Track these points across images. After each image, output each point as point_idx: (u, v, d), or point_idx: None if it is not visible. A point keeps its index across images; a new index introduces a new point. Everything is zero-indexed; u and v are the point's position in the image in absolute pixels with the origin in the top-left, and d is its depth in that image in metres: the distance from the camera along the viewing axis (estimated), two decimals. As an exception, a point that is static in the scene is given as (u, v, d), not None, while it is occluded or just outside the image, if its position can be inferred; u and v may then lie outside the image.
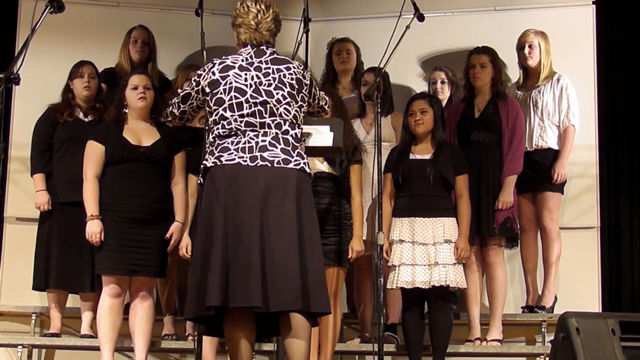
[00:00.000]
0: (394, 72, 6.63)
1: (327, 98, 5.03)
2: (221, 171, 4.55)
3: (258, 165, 4.52)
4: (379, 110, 5.65)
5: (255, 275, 4.37)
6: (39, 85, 6.80)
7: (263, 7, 4.75)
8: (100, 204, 5.81)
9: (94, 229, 5.76)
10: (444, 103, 6.90)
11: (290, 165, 4.56)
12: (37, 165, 6.49)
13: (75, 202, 6.12)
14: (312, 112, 4.94)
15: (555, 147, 6.67)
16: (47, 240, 6.40)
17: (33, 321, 6.88)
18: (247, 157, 4.53)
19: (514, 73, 6.89)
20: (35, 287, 6.47)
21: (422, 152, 6.10)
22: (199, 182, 4.75)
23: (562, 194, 6.73)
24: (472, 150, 6.37)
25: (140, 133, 5.95)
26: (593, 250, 6.99)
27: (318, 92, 4.88)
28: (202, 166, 4.69)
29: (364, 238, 6.06)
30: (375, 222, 5.92)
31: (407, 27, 5.67)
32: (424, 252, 5.92)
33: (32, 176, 6.50)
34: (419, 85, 7.48)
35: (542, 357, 6.25)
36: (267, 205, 4.47)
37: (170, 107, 4.93)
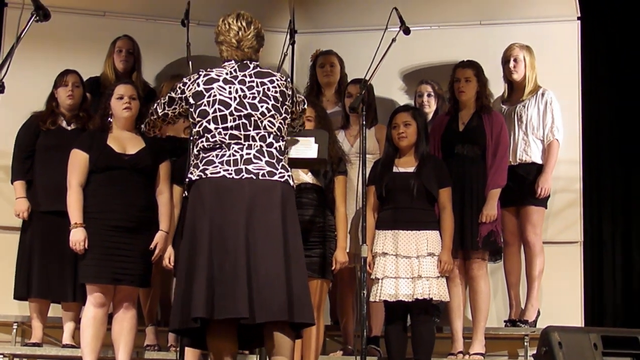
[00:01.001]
0: (378, 84, 6.63)
1: (302, 97, 5.02)
2: (206, 184, 4.54)
3: (243, 177, 4.52)
4: (363, 122, 5.66)
5: (241, 286, 4.37)
6: (23, 94, 6.75)
7: (244, 24, 4.76)
8: (84, 212, 5.79)
9: (77, 237, 5.74)
10: (430, 116, 6.92)
11: (275, 178, 4.56)
12: (18, 172, 6.48)
13: (56, 210, 6.10)
14: (295, 118, 4.95)
15: (539, 162, 6.69)
16: (29, 249, 6.37)
17: (14, 330, 6.85)
18: (232, 170, 4.53)
19: (499, 87, 6.91)
20: (17, 297, 6.44)
21: (406, 165, 6.11)
22: (184, 195, 4.74)
23: (546, 208, 6.74)
24: (456, 163, 6.38)
25: (125, 141, 5.94)
26: (576, 264, 7.01)
27: (297, 97, 4.89)
28: (187, 179, 4.68)
29: (348, 250, 6.06)
30: (358, 234, 5.92)
31: (393, 40, 5.70)
32: (407, 265, 5.92)
33: (12, 183, 6.48)
34: (403, 98, 7.50)
35: (525, 370, 6.27)
36: (253, 218, 4.47)
37: (155, 105, 4.92)
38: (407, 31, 5.84)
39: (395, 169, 6.10)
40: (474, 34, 7.49)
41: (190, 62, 5.61)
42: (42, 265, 6.30)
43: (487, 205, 6.30)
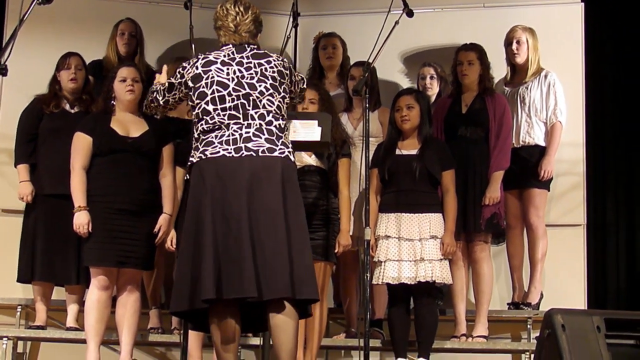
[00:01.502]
0: (381, 67, 6.63)
1: (301, 75, 5.02)
2: (207, 165, 4.56)
3: (243, 155, 4.54)
4: (366, 105, 5.66)
5: (248, 265, 4.38)
6: (26, 77, 6.77)
7: (242, 9, 4.79)
8: (87, 195, 5.79)
9: (81, 220, 5.74)
10: (432, 99, 6.92)
11: (275, 154, 4.57)
12: (21, 155, 6.48)
13: (60, 194, 6.10)
14: (294, 97, 4.97)
15: (542, 144, 6.68)
16: (33, 232, 6.37)
17: (18, 313, 6.87)
18: (231, 149, 4.55)
19: (501, 69, 6.89)
20: (20, 280, 6.45)
21: (409, 148, 6.11)
22: (185, 177, 4.75)
23: (549, 190, 6.73)
24: (459, 145, 6.38)
25: (128, 124, 5.94)
26: (579, 247, 7.00)
27: (296, 76, 4.90)
28: (188, 162, 4.70)
29: (351, 233, 6.06)
30: (362, 217, 5.92)
31: (396, 22, 5.68)
32: (410, 247, 5.93)
33: (16, 166, 6.48)
34: (406, 81, 7.49)
35: (528, 353, 6.27)
36: (254, 195, 4.49)
37: (155, 94, 4.93)
38: (410, 14, 5.83)
39: (398, 152, 6.10)
40: (477, 16, 7.47)
41: (193, 45, 5.61)
42: (45, 248, 6.30)
43: (490, 188, 6.30)
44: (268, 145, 4.57)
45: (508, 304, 6.78)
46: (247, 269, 4.38)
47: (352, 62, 6.93)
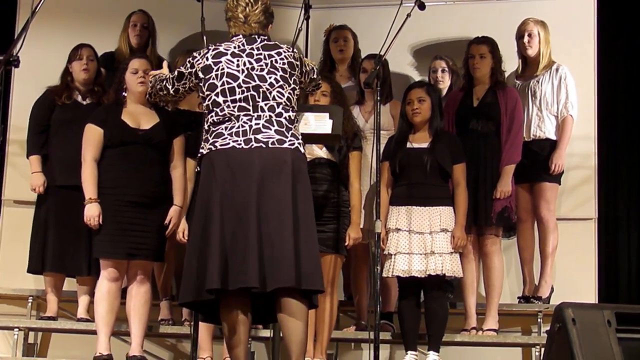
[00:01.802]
0: (392, 60, 6.62)
1: (312, 64, 5.00)
2: (216, 156, 4.57)
3: (252, 147, 4.54)
4: (378, 98, 5.65)
5: (252, 256, 4.39)
6: (38, 68, 6.78)
7: (252, 0, 4.78)
8: (98, 187, 5.80)
9: (92, 213, 5.75)
10: (444, 92, 6.91)
11: (285, 145, 4.58)
12: (33, 146, 6.49)
13: (72, 185, 6.11)
14: (306, 89, 5.00)
15: (553, 138, 6.67)
16: (44, 223, 6.39)
17: (29, 304, 6.89)
18: (241, 141, 4.56)
19: (513, 63, 6.88)
20: (31, 270, 6.47)
21: (420, 141, 6.10)
22: (196, 169, 4.76)
23: (560, 184, 6.72)
24: (471, 139, 6.37)
25: (140, 116, 5.95)
26: (590, 241, 6.98)
27: (307, 66, 4.89)
28: (198, 154, 4.71)
29: (361, 226, 6.06)
30: (372, 210, 5.92)
31: (408, 15, 5.68)
32: (421, 240, 5.93)
33: (28, 157, 6.49)
34: (418, 74, 7.48)
35: (538, 347, 6.26)
36: (263, 186, 4.50)
37: (164, 82, 4.93)
38: (422, 6, 5.82)
39: (409, 145, 6.10)
40: (489, 9, 7.46)
41: (204, 37, 5.61)
42: (57, 239, 6.32)
43: (501, 181, 6.29)
44: (278, 137, 4.58)
45: (518, 297, 6.78)
46: (251, 260, 4.39)
47: (363, 55, 6.92)
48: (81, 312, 6.42)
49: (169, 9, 7.54)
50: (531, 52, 6.77)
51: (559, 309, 4.04)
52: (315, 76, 4.99)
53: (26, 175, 6.65)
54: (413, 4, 5.80)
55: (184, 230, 6.01)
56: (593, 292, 6.85)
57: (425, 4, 5.82)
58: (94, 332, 5.93)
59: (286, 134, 4.61)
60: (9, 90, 7.09)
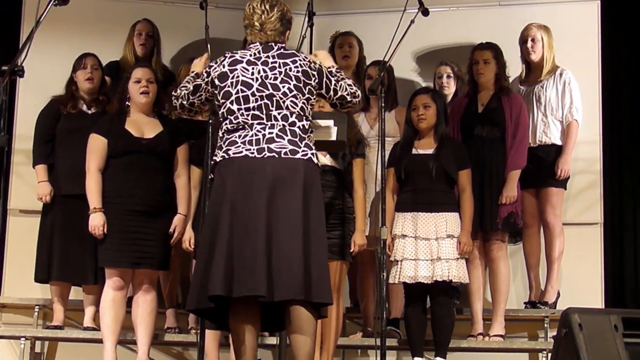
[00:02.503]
0: (397, 66, 6.63)
1: (353, 89, 4.88)
2: (229, 164, 4.56)
3: (265, 156, 4.52)
4: (382, 104, 5.65)
5: (260, 265, 4.37)
6: (43, 78, 6.79)
7: (267, 7, 4.76)
8: (103, 196, 5.82)
9: (97, 222, 5.76)
10: (449, 98, 6.91)
11: (298, 156, 4.56)
12: (39, 156, 6.50)
13: (77, 194, 6.11)
14: (333, 104, 4.91)
15: (559, 143, 6.66)
16: (50, 232, 6.40)
17: (36, 313, 6.89)
18: (254, 149, 4.54)
19: (517, 68, 6.88)
20: (38, 280, 6.48)
21: (425, 147, 6.11)
22: (210, 177, 4.74)
23: (566, 189, 6.72)
24: (476, 145, 6.37)
25: (143, 125, 5.96)
26: (596, 246, 6.97)
27: (334, 82, 4.81)
28: (212, 161, 4.71)
29: (367, 233, 6.06)
30: (378, 216, 5.92)
31: (412, 21, 5.67)
32: (427, 247, 5.93)
33: (34, 167, 6.50)
34: (422, 80, 7.48)
35: (545, 352, 6.26)
36: (274, 197, 4.48)
37: (180, 100, 4.89)
38: (425, 13, 5.82)
39: (414, 151, 6.10)
40: (493, 14, 7.45)
41: (209, 45, 5.61)
42: (63, 248, 6.33)
43: (506, 187, 6.29)
44: (291, 147, 4.56)
45: (525, 303, 6.77)
46: (258, 268, 4.37)
47: (368, 62, 6.92)
48: (87, 321, 6.42)
49: (173, 17, 7.56)
50: (535, 57, 6.77)
51: (566, 314, 4.03)
52: (348, 97, 4.86)
53: (32, 185, 6.66)
54: (417, 10, 5.79)
55: (190, 239, 6.02)
56: (599, 297, 6.83)
57: (429, 10, 5.82)
58: (100, 341, 5.94)
59: (299, 143, 4.59)
60: (14, 100, 7.11)
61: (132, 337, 6.05)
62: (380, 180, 5.68)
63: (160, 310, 6.21)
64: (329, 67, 4.84)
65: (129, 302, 5.98)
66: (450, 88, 7.06)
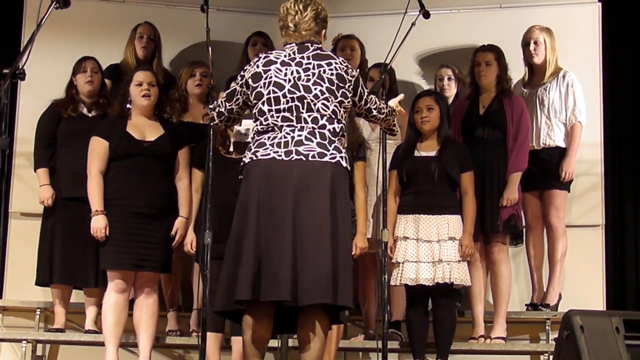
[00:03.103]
0: (398, 69, 6.63)
1: (382, 105, 4.93)
2: (257, 166, 4.54)
3: (293, 159, 4.50)
4: (384, 106, 5.65)
5: (286, 269, 4.35)
6: (44, 81, 6.78)
7: (301, 7, 4.73)
8: (104, 199, 5.82)
9: (99, 225, 5.77)
10: (450, 100, 6.91)
11: (326, 159, 4.53)
12: (40, 160, 6.50)
13: (79, 197, 6.12)
14: (359, 113, 4.92)
15: (563, 145, 6.66)
16: (51, 235, 6.40)
17: (37, 316, 6.88)
18: (282, 152, 4.51)
19: (519, 70, 6.88)
20: (39, 282, 6.49)
21: (427, 149, 6.11)
22: (239, 177, 4.70)
23: (569, 191, 6.72)
24: (477, 147, 6.36)
25: (144, 128, 5.96)
26: (598, 248, 6.97)
27: (367, 94, 4.82)
28: (241, 163, 4.67)
29: (369, 236, 6.07)
30: (380, 219, 5.92)
31: (413, 24, 5.67)
32: (428, 249, 5.92)
33: (35, 171, 6.51)
34: (424, 83, 7.48)
35: (546, 355, 6.26)
36: (300, 200, 4.45)
37: (217, 109, 4.85)
38: (426, 15, 5.81)
39: (416, 153, 6.11)
40: (494, 17, 7.45)
41: (210, 48, 5.61)
42: (64, 251, 6.32)
43: (508, 189, 6.28)
44: (319, 150, 4.53)
45: (526, 305, 6.76)
46: (284, 273, 4.35)
47: (370, 64, 6.92)
48: (89, 324, 6.42)
49: (174, 20, 7.55)
50: (537, 59, 6.77)
51: (567, 316, 4.03)
52: (375, 112, 4.90)
53: (33, 188, 6.67)
54: (418, 13, 5.79)
55: (191, 242, 6.03)
56: (601, 299, 6.83)
57: (430, 12, 5.82)
58: (101, 344, 5.94)
59: (328, 146, 4.55)
60: (15, 103, 7.11)
61: (134, 340, 6.04)
62: (382, 183, 5.68)
63: (161, 313, 6.21)
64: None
65: (130, 304, 5.98)
66: (451, 90, 7.05)
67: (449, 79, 7.07)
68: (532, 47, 6.76)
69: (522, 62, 6.88)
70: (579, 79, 6.74)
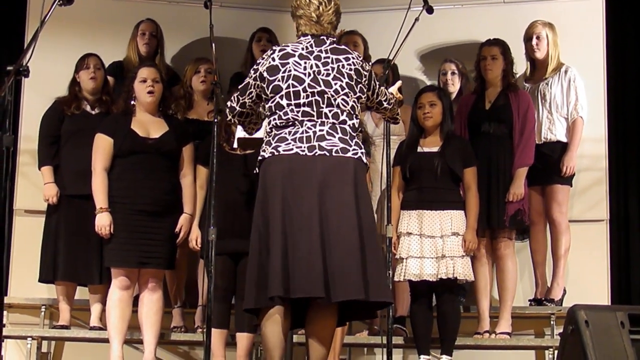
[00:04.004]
0: (401, 64, 6.63)
1: (388, 94, 4.92)
2: (279, 161, 4.48)
3: (316, 154, 4.46)
4: (387, 103, 5.65)
5: (317, 265, 4.32)
6: (48, 78, 6.79)
7: None
8: (109, 196, 5.83)
9: (103, 222, 5.77)
10: (454, 95, 6.90)
11: (349, 155, 4.49)
12: (44, 157, 6.50)
13: (83, 194, 6.13)
14: (370, 106, 4.90)
15: (564, 140, 6.66)
16: (55, 232, 6.40)
17: (42, 313, 6.88)
18: (305, 147, 4.47)
19: (521, 65, 6.87)
20: (42, 279, 6.49)
21: (431, 145, 6.11)
22: (255, 172, 4.67)
23: (571, 186, 6.71)
24: (483, 142, 6.37)
25: (149, 125, 5.96)
26: (602, 243, 6.97)
27: (378, 87, 4.80)
28: (259, 157, 4.62)
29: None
30: (384, 215, 5.92)
31: (416, 19, 5.67)
32: (432, 244, 5.93)
33: (39, 169, 6.51)
34: (427, 78, 7.47)
35: (551, 350, 6.26)
36: (325, 195, 4.42)
37: (230, 104, 4.79)
38: (430, 10, 5.81)
39: (419, 149, 6.11)
40: (497, 12, 7.44)
41: (213, 44, 5.62)
42: (68, 248, 6.33)
43: (514, 184, 6.29)
44: (342, 145, 4.49)
45: (530, 300, 6.76)
46: (316, 269, 4.32)
47: (372, 60, 6.92)
48: (94, 321, 6.43)
49: (177, 17, 7.55)
50: (540, 54, 6.76)
51: (572, 311, 4.03)
52: (385, 103, 4.89)
53: (37, 185, 6.67)
54: (421, 8, 5.79)
55: (196, 238, 6.03)
56: (606, 293, 6.82)
57: (434, 7, 5.81)
58: (106, 341, 5.95)
59: (350, 142, 4.53)
60: (19, 101, 7.10)
61: (139, 336, 6.05)
62: (385, 179, 5.68)
63: (166, 309, 6.21)
64: None
65: (135, 301, 5.99)
66: (454, 85, 7.05)
67: (453, 73, 7.06)
68: (534, 42, 6.75)
69: (524, 57, 6.87)
70: (583, 73, 6.74)
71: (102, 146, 5.89)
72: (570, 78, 6.67)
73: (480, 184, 6.12)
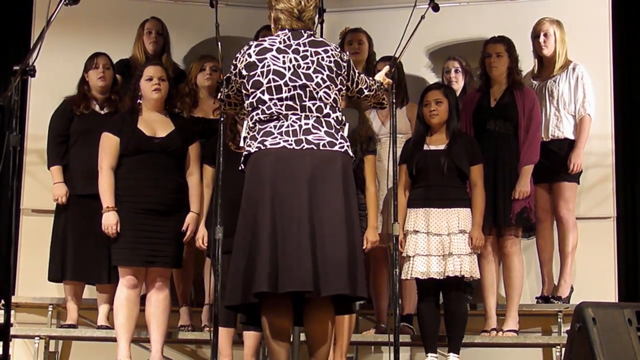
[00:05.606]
0: (407, 62, 6.60)
1: (369, 81, 4.92)
2: (266, 155, 4.48)
3: (304, 148, 4.46)
4: (394, 100, 5.65)
5: (306, 259, 4.32)
6: (54, 78, 6.80)
7: None
8: (115, 195, 5.83)
9: (110, 221, 5.78)
10: (458, 92, 6.89)
11: (336, 148, 4.51)
12: (54, 157, 6.51)
13: (91, 194, 6.13)
14: (351, 96, 4.90)
15: (572, 137, 6.65)
16: (63, 232, 6.41)
17: (50, 312, 6.89)
18: (292, 141, 4.47)
19: (529, 63, 6.86)
20: (51, 279, 6.50)
21: (437, 143, 6.10)
22: (240, 168, 4.66)
23: (579, 183, 6.71)
24: (488, 139, 6.36)
25: (155, 124, 5.97)
26: (609, 240, 6.96)
27: (357, 75, 4.80)
28: (244, 152, 4.61)
29: (379, 231, 6.06)
30: (390, 213, 5.92)
31: (422, 17, 5.65)
32: (439, 242, 5.92)
33: (49, 169, 6.52)
34: (433, 76, 7.46)
35: (558, 347, 6.25)
36: (314, 189, 4.42)
37: (220, 95, 4.81)
38: (436, 8, 5.80)
39: (426, 147, 6.10)
40: (504, 9, 7.43)
41: (219, 43, 5.61)
42: (76, 247, 6.34)
43: (520, 182, 6.28)
44: (328, 139, 4.50)
45: (537, 297, 6.76)
46: (305, 263, 4.32)
47: (378, 58, 6.91)
48: (101, 320, 6.44)
49: (183, 16, 7.56)
50: (547, 52, 6.76)
51: (579, 308, 4.03)
52: (366, 91, 4.88)
53: (44, 185, 6.69)
54: (427, 6, 5.78)
55: (203, 237, 6.03)
56: (613, 291, 6.81)
57: (440, 5, 5.81)
58: (114, 340, 5.96)
59: (336, 135, 4.54)
60: (26, 100, 7.11)
61: (146, 335, 6.06)
62: (392, 177, 5.68)
63: (173, 308, 6.22)
64: None
65: (142, 300, 5.99)
66: (458, 83, 7.04)
67: (456, 71, 7.06)
68: (541, 39, 6.74)
69: (531, 55, 6.86)
70: (590, 70, 6.73)
71: (109, 145, 5.89)
72: (578, 75, 6.66)
73: (486, 181, 6.11)
